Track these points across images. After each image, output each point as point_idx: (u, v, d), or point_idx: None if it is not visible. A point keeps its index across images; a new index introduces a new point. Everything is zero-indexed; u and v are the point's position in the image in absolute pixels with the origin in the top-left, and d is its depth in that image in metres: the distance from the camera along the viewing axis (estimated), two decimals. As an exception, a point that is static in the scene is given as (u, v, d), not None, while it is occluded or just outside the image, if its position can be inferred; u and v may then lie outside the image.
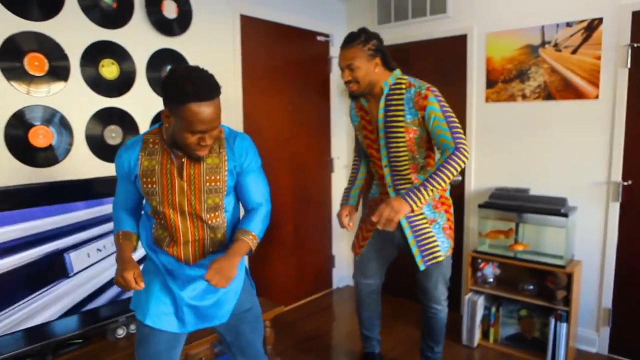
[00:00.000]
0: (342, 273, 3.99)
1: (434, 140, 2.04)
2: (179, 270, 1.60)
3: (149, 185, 1.52)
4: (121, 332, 2.20)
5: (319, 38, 3.56)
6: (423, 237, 2.17)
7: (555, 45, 2.76)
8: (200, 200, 1.54)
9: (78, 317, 2.08)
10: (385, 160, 2.17)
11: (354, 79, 2.08)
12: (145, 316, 1.56)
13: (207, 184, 1.53)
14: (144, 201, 1.67)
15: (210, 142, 1.42)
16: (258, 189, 1.64)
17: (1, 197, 1.85)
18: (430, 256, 2.17)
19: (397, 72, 2.13)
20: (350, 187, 2.45)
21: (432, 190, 1.91)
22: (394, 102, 2.10)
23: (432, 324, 2.36)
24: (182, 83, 1.31)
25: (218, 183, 1.54)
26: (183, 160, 1.51)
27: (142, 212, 1.70)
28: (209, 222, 1.58)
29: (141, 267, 1.59)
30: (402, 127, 2.08)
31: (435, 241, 2.17)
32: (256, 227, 1.61)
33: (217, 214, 1.59)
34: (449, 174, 1.91)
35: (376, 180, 2.34)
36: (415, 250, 2.17)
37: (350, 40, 2.06)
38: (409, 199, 1.88)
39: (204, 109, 1.33)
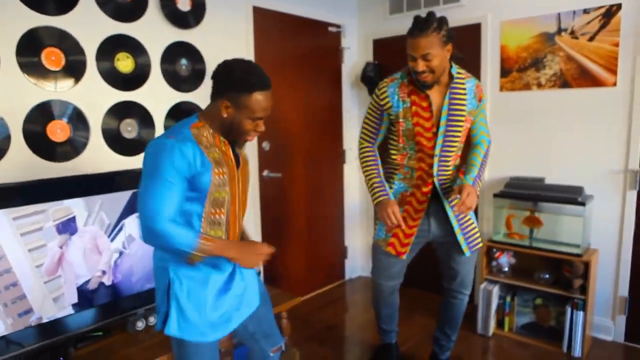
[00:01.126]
0: (354, 264, 4.00)
1: (476, 129, 2.21)
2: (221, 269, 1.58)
3: (222, 176, 1.48)
4: (140, 325, 2.21)
5: (331, 29, 3.54)
6: (466, 224, 2.20)
7: (572, 32, 2.73)
8: (246, 189, 1.63)
9: (98, 310, 2.10)
10: (438, 149, 2.11)
11: (430, 68, 1.95)
12: (206, 335, 1.52)
13: (248, 173, 1.67)
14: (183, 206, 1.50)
15: (263, 129, 1.52)
16: None
17: (20, 192, 1.86)
18: (475, 242, 2.23)
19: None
20: (380, 180, 2.17)
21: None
22: (458, 91, 2.09)
23: (455, 310, 2.36)
24: (249, 74, 1.42)
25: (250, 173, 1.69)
26: (236, 151, 1.59)
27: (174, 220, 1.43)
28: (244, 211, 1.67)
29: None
30: (463, 116, 2.11)
31: (475, 227, 2.23)
32: None
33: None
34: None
35: (399, 174, 2.19)
36: (461, 238, 2.19)
37: (425, 27, 1.88)
38: (477, 188, 2.11)
39: (266, 97, 1.46)
